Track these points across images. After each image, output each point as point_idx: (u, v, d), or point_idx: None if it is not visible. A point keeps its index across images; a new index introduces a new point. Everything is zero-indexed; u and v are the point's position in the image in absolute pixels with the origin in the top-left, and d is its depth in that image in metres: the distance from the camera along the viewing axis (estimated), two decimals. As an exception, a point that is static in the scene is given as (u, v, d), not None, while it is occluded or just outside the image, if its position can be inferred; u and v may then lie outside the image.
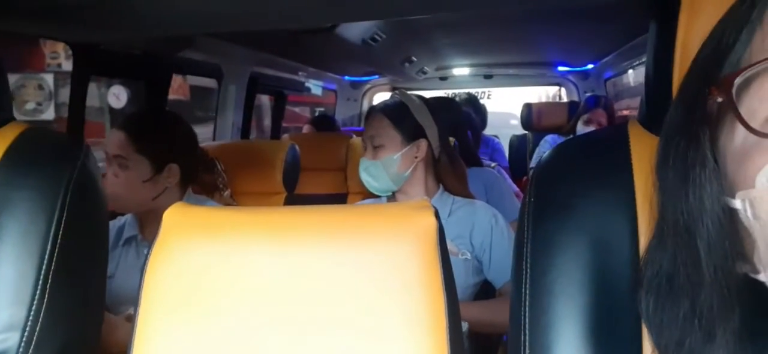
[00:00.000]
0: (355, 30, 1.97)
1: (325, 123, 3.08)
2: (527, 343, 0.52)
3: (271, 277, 0.57)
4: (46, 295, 0.55)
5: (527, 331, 0.53)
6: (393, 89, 3.54)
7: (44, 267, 0.55)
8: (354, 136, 2.51)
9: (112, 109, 4.50)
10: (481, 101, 3.32)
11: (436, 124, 1.36)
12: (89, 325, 0.62)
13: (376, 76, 3.47)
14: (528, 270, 0.54)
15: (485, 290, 1.27)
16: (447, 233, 1.33)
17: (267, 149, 1.83)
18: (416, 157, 1.32)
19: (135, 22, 1.22)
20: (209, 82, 2.40)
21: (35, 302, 0.55)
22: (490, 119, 3.19)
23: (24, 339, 0.54)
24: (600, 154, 0.56)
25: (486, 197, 1.67)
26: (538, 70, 3.36)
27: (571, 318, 0.51)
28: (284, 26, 1.63)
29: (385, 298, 0.54)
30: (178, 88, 5.40)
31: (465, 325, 1.00)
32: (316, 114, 4.31)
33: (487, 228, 1.25)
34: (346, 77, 3.46)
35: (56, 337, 0.56)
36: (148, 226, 1.25)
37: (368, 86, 3.58)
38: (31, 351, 0.54)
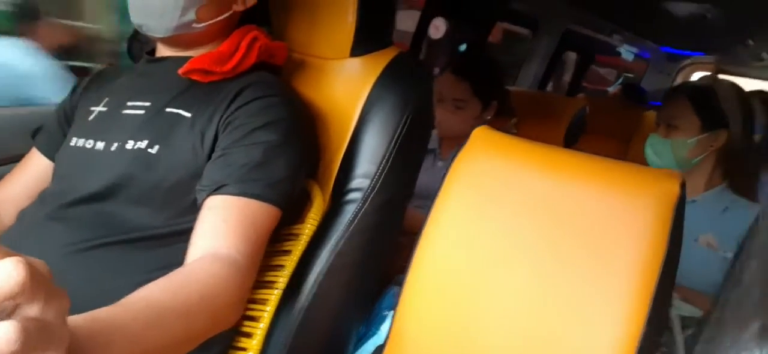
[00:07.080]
0: None
1: (634, 93, 2.92)
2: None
3: (535, 201, 0.73)
4: (389, 163, 0.88)
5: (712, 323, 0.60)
6: (717, 71, 3.14)
7: (391, 145, 0.87)
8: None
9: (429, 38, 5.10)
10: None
11: (744, 116, 1.26)
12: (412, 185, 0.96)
13: (700, 53, 3.12)
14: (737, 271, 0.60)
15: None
16: (715, 228, 1.29)
17: (557, 103, 1.96)
18: (711, 147, 1.26)
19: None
20: (521, 30, 2.61)
21: (381, 165, 0.88)
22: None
23: (371, 184, 0.88)
24: None
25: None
26: None
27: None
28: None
29: (612, 243, 0.66)
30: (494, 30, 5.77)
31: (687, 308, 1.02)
32: (621, 80, 4.11)
33: None
34: (664, 48, 3.20)
35: (388, 189, 0.89)
36: (447, 145, 1.56)
37: (687, 62, 3.25)
38: (374, 193, 0.87)
